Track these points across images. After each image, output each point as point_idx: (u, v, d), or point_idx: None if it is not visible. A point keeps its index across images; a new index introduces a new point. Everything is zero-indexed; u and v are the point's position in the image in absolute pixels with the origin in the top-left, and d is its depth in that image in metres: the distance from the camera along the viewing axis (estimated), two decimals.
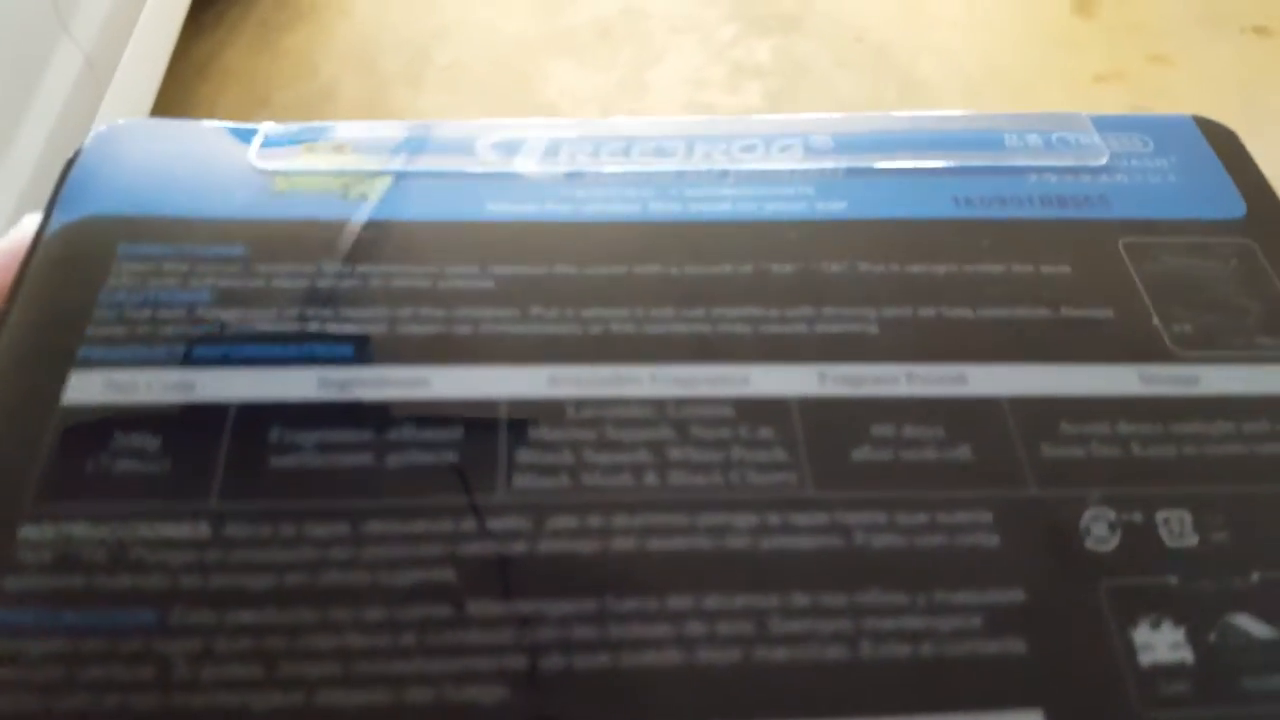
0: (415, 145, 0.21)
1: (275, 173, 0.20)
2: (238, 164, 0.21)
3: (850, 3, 1.25)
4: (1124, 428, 0.17)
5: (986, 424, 0.17)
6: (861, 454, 0.17)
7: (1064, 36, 1.18)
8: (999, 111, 0.24)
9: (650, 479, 0.16)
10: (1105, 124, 0.23)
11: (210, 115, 1.08)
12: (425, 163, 0.21)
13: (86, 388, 0.17)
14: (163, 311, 0.18)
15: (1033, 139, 0.22)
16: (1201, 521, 0.17)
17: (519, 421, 0.17)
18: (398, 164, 0.21)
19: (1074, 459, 0.17)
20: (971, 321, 0.19)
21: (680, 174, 0.21)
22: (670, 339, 0.18)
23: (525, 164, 0.21)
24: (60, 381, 0.17)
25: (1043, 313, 0.19)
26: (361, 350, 0.17)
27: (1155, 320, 0.19)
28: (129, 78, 0.85)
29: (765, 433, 0.17)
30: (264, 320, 0.18)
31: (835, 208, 0.21)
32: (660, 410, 0.17)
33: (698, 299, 0.19)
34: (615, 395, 0.17)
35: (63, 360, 0.17)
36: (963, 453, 0.17)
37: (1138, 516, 0.17)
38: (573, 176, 0.21)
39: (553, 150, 0.21)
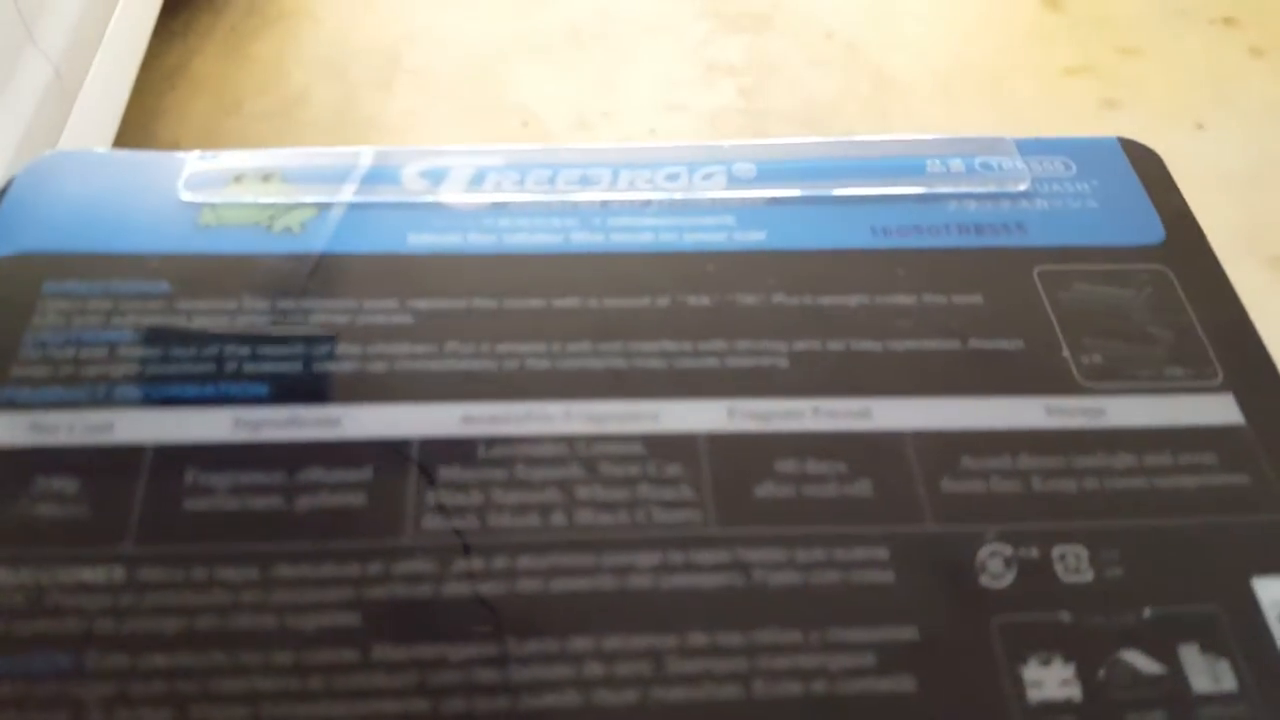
0: (342, 174, 0.21)
1: (202, 205, 0.21)
2: (165, 197, 0.21)
3: (821, 0, 1.25)
4: (1025, 462, 0.18)
5: (888, 459, 0.18)
6: (765, 490, 0.17)
7: (1033, 30, 1.18)
8: (951, 117, 0.24)
9: (558, 519, 0.16)
10: (1029, 147, 0.23)
11: (180, 124, 1.07)
12: (351, 193, 0.21)
13: (10, 430, 0.17)
14: (85, 351, 0.18)
15: (955, 164, 0.23)
16: (1097, 557, 0.17)
17: (429, 462, 0.17)
18: (323, 195, 0.21)
19: (973, 494, 0.17)
20: (879, 355, 0.19)
21: (604, 204, 0.21)
22: (585, 374, 0.18)
23: (450, 193, 0.21)
24: None
25: (952, 345, 0.19)
26: (276, 390, 0.18)
27: (1065, 351, 0.19)
28: (98, 88, 0.83)
29: (673, 470, 0.17)
30: (183, 360, 0.18)
31: (754, 238, 0.21)
32: (571, 448, 0.17)
33: (614, 333, 0.19)
34: (527, 433, 0.17)
35: None
36: (863, 488, 0.17)
37: (1034, 552, 0.17)
38: (497, 207, 0.21)
39: (478, 179, 0.22)
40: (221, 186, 0.21)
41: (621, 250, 0.20)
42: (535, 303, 0.19)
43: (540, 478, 0.17)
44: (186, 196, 0.21)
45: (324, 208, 0.21)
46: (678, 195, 0.21)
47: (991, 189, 0.22)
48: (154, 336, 0.18)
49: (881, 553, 0.17)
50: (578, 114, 1.09)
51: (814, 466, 0.18)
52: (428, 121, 1.07)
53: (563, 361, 0.18)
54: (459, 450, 0.17)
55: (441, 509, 0.16)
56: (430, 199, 0.21)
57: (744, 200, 0.22)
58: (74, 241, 0.20)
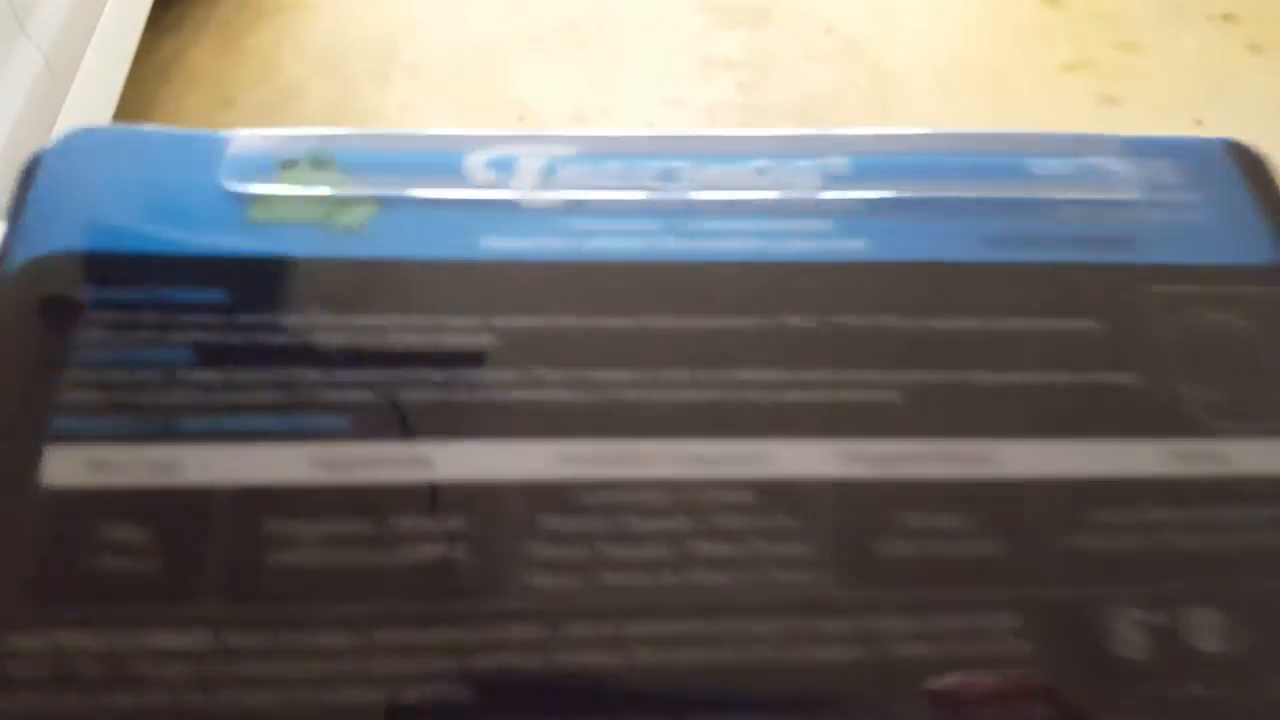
0: (401, 163, 0.20)
1: (251, 198, 0.19)
2: (209, 186, 0.19)
3: None
4: (1153, 515, 0.17)
5: (1014, 512, 0.16)
6: (888, 547, 0.16)
7: (1032, 26, 1.18)
8: (1004, 123, 0.22)
9: (669, 578, 0.15)
10: (1133, 147, 0.22)
11: (174, 117, 1.04)
12: (413, 186, 0.19)
13: (66, 467, 0.15)
14: (141, 373, 0.16)
15: (1058, 166, 0.21)
16: (1232, 622, 0.16)
17: (531, 510, 0.15)
18: (383, 188, 0.19)
19: (1103, 552, 0.16)
20: (997, 389, 0.18)
21: (689, 203, 0.20)
22: (685, 409, 0.17)
23: (521, 189, 0.20)
24: (36, 458, 0.15)
25: (1069, 378, 0.18)
26: (357, 423, 0.16)
27: (1185, 387, 0.18)
28: (90, 80, 0.81)
29: (788, 522, 0.16)
30: (252, 386, 0.16)
31: (854, 247, 0.19)
32: (677, 496, 0.16)
33: (712, 359, 0.17)
34: (631, 477, 0.16)
35: (36, 432, 0.15)
36: (991, 545, 0.16)
37: (1165, 618, 0.16)
38: (573, 205, 0.19)
39: (549, 172, 0.20)
40: (270, 174, 0.19)
41: (712, 259, 0.19)
42: (624, 321, 0.18)
43: (648, 530, 0.15)
44: (233, 186, 0.19)
45: (386, 203, 0.19)
46: (768, 195, 0.20)
47: (1100, 196, 0.21)
48: (216, 356, 0.17)
49: (1015, 620, 0.15)
50: (575, 108, 1.07)
51: (939, 520, 0.16)
52: (424, 115, 1.05)
53: (659, 392, 0.17)
54: (560, 496, 0.16)
55: (548, 565, 0.15)
56: (500, 195, 0.19)
57: (840, 202, 0.20)
58: (116, 239, 0.18)
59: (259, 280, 0.18)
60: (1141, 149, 0.22)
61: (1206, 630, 0.16)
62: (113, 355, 0.16)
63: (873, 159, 0.21)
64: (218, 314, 0.17)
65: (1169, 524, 0.17)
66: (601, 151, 0.20)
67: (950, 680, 0.14)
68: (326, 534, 0.15)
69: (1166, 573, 0.16)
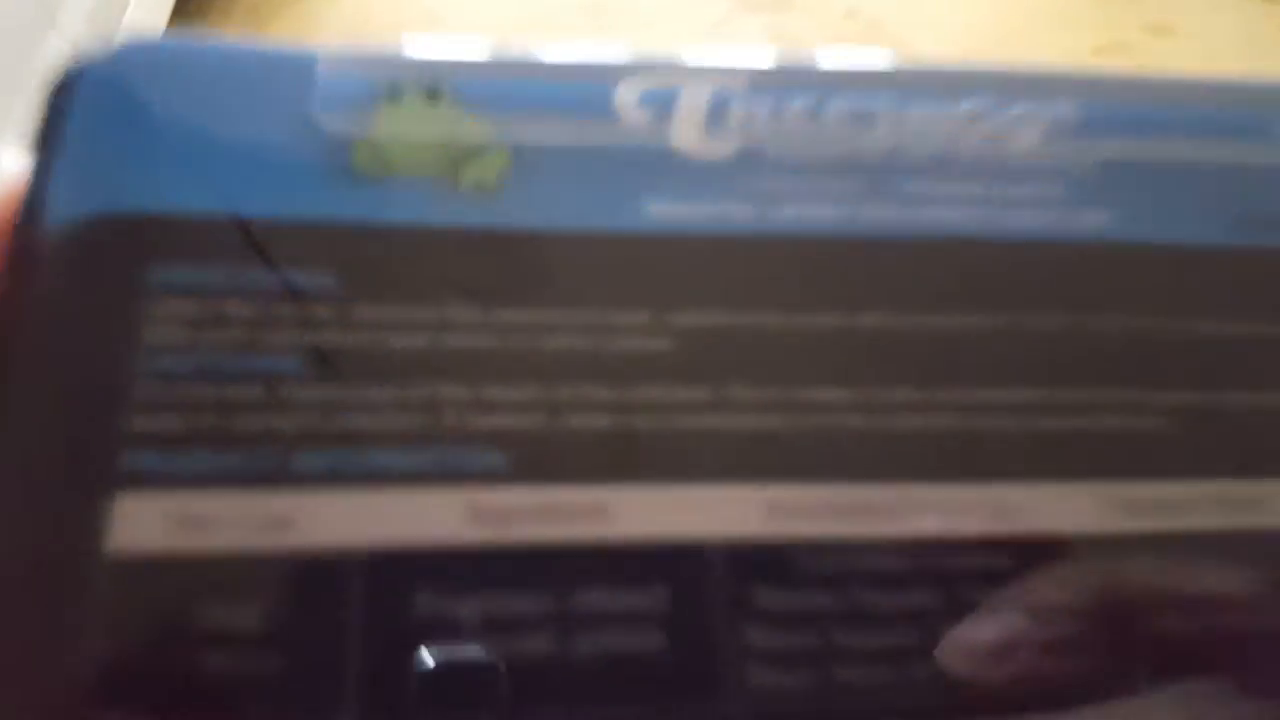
0: (536, 97, 0.15)
1: (353, 140, 0.14)
2: (299, 123, 0.14)
3: None
4: None
5: None
6: (1160, 624, 0.13)
7: (1061, 8, 1.14)
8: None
9: (918, 670, 0.12)
10: None
11: None
12: (554, 129, 0.15)
13: (141, 524, 0.12)
14: (233, 390, 0.12)
15: None
16: None
17: (739, 580, 0.12)
18: (517, 131, 0.15)
19: None
20: (1267, 414, 0.15)
21: (892, 155, 0.16)
22: (915, 440, 0.14)
23: (686, 135, 0.15)
24: (99, 511, 0.12)
25: None
26: (518, 459, 0.13)
27: None
28: None
29: (1050, 593, 0.13)
30: (382, 407, 0.12)
31: (1093, 222, 0.16)
32: (918, 560, 0.13)
33: (944, 371, 0.14)
34: (861, 536, 0.13)
35: (99, 473, 0.12)
36: (1273, 614, 0.13)
37: None
38: (751, 156, 0.15)
39: (719, 110, 0.15)
40: (372, 106, 0.15)
41: (927, 233, 0.15)
42: (831, 319, 0.14)
43: (887, 607, 0.13)
44: (330, 122, 0.14)
45: (521, 153, 0.15)
46: (987, 144, 0.16)
47: None
48: (334, 364, 0.13)
49: None
50: None
51: (1216, 583, 0.14)
52: None
53: (882, 418, 0.14)
54: (774, 562, 0.13)
55: (771, 657, 0.12)
56: (661, 143, 0.15)
57: (1071, 161, 0.16)
58: (183, 194, 0.13)
59: (378, 258, 0.14)
60: None
61: None
62: (195, 362, 0.13)
63: (1102, 107, 0.16)
64: (329, 304, 0.13)
65: None
66: (778, 84, 0.16)
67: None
68: (494, 616, 0.12)
69: None
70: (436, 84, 0.15)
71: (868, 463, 0.13)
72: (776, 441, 0.13)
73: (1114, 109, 0.17)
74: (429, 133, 0.15)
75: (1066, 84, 0.17)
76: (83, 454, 0.12)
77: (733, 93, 0.16)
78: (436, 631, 0.12)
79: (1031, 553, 0.13)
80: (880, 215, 0.15)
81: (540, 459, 0.13)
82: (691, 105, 0.16)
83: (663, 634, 0.12)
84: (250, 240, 0.13)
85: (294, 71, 0.14)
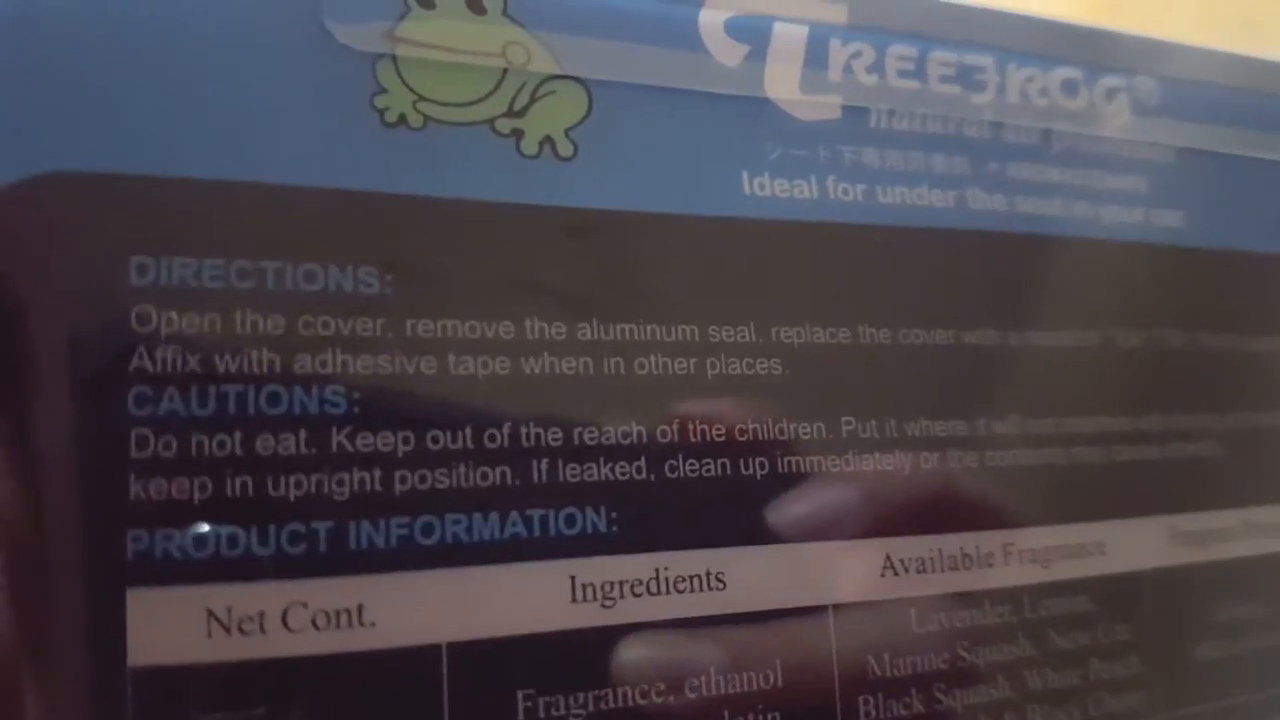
0: (609, 15, 0.12)
1: (377, 61, 0.11)
2: (305, 40, 0.10)
3: None
4: None
5: None
6: (1204, 651, 0.14)
7: None
8: None
9: None
10: None
11: None
12: (632, 59, 0.12)
13: (168, 629, 0.09)
14: (267, 440, 0.09)
15: None
16: None
17: (854, 648, 0.12)
18: (587, 60, 0.12)
19: None
20: None
21: (996, 133, 0.14)
22: (1020, 479, 0.13)
23: (783, 83, 0.13)
24: (112, 617, 0.09)
25: None
26: (624, 520, 0.11)
27: None
28: None
29: (1121, 632, 0.13)
30: (454, 459, 0.10)
31: (1169, 222, 0.15)
32: (1018, 610, 0.13)
33: (1046, 401, 0.13)
34: (969, 589, 0.12)
35: (101, 563, 0.09)
36: None
37: None
38: (855, 119, 0.13)
39: (818, 51, 0.13)
40: (399, 11, 0.11)
41: (1030, 230, 0.14)
42: (941, 337, 0.13)
43: (989, 663, 0.12)
44: (351, 40, 0.11)
45: (599, 95, 0.12)
46: (1081, 128, 0.15)
47: None
48: (391, 404, 0.10)
49: None
50: None
51: (1249, 611, 0.14)
52: None
53: (991, 455, 0.13)
54: (887, 623, 0.12)
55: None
56: (756, 92, 0.13)
57: (1155, 149, 0.15)
58: (171, 148, 0.10)
59: (431, 250, 0.10)
60: None
61: None
62: (211, 403, 0.09)
63: (1179, 86, 0.16)
64: (375, 315, 0.10)
65: None
66: (882, 24, 0.13)
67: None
68: (605, 712, 0.10)
69: None
70: None
71: (978, 508, 0.13)
72: (890, 485, 0.12)
73: (1191, 90, 0.16)
74: (476, 53, 0.11)
75: (1150, 52, 0.16)
76: (74, 540, 0.09)
77: (833, 28, 0.13)
78: None
79: (1109, 591, 0.13)
80: (984, 205, 0.14)
81: (648, 518, 0.11)
82: (788, 41, 0.13)
83: (780, 714, 0.11)
84: (259, 220, 0.10)
85: None
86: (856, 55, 0.13)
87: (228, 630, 0.09)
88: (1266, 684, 0.14)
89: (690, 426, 0.11)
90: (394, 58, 0.11)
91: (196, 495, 0.09)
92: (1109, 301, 0.14)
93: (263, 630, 0.09)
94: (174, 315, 0.09)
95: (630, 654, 0.10)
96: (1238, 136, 0.16)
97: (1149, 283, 0.15)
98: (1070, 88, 0.15)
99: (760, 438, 0.12)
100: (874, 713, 0.11)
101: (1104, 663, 0.13)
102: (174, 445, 0.09)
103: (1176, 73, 0.16)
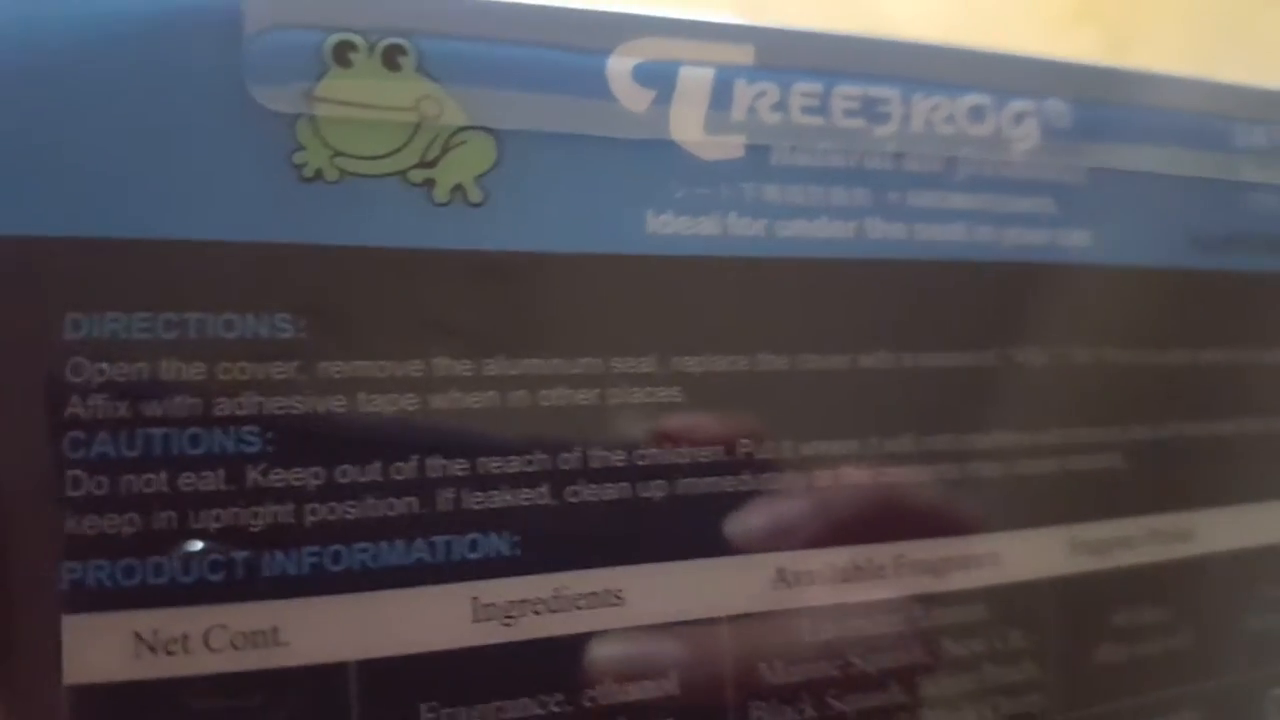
0: (519, 67, 0.13)
1: (293, 123, 0.12)
2: (228, 97, 0.11)
3: None
4: None
5: (1206, 595, 0.16)
6: (1103, 654, 0.15)
7: None
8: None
9: None
10: None
11: None
12: (540, 108, 0.13)
13: (100, 651, 0.10)
14: (189, 478, 0.11)
15: (1260, 137, 0.18)
16: None
17: (748, 658, 0.13)
18: (496, 110, 0.13)
19: (1268, 629, 0.17)
20: (1205, 445, 0.16)
21: (898, 163, 0.15)
22: (913, 493, 0.14)
23: (688, 126, 0.14)
24: (46, 638, 0.10)
25: (1259, 426, 0.17)
26: (527, 544, 0.12)
27: None
28: None
29: (1016, 639, 0.14)
30: (365, 492, 0.11)
31: (1077, 241, 0.16)
32: (910, 619, 0.14)
33: (940, 419, 0.14)
34: (858, 599, 0.13)
35: (38, 591, 0.10)
36: (1185, 638, 0.16)
37: None
38: (758, 157, 0.14)
39: (723, 93, 0.14)
40: (317, 72, 0.12)
41: (928, 257, 0.15)
42: (837, 362, 0.14)
43: (878, 668, 0.13)
44: (267, 101, 0.12)
45: (508, 144, 0.13)
46: (987, 154, 0.16)
47: None
48: (302, 442, 0.11)
49: (1196, 715, 0.16)
50: None
51: (1147, 616, 0.16)
52: None
53: (884, 472, 0.14)
54: (778, 635, 0.13)
55: None
56: (661, 135, 0.14)
57: (1063, 169, 0.16)
58: (96, 215, 0.11)
59: (342, 296, 0.12)
60: None
61: None
62: (138, 445, 0.10)
63: (1088, 107, 0.16)
64: (288, 359, 0.11)
65: None
66: (786, 64, 0.14)
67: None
68: None
69: None
70: (396, 43, 0.12)
71: (869, 518, 0.14)
72: (785, 502, 0.13)
73: (1097, 112, 0.17)
74: (390, 109, 0.12)
75: (1059, 75, 0.17)
76: (15, 567, 0.10)
77: (739, 69, 0.14)
78: None
79: (1005, 599, 0.14)
80: (884, 234, 0.15)
81: (551, 542, 0.12)
82: (693, 84, 0.14)
83: (674, 714, 0.12)
84: (179, 272, 0.11)
85: (214, 26, 0.12)
86: (761, 95, 0.14)
87: (154, 651, 0.10)
88: (1168, 684, 0.15)
89: (592, 458, 0.12)
90: (312, 117, 0.12)
91: (125, 529, 0.10)
92: (1007, 321, 0.15)
93: (186, 650, 0.10)
94: (105, 366, 0.11)
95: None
96: (1148, 154, 0.17)
97: (1053, 301, 0.16)
98: (977, 114, 0.16)
99: (659, 462, 0.13)
100: (767, 717, 0.13)
101: (1000, 668, 0.14)
102: (105, 484, 0.10)
103: (1088, 94, 0.17)
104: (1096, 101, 0.17)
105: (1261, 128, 0.18)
